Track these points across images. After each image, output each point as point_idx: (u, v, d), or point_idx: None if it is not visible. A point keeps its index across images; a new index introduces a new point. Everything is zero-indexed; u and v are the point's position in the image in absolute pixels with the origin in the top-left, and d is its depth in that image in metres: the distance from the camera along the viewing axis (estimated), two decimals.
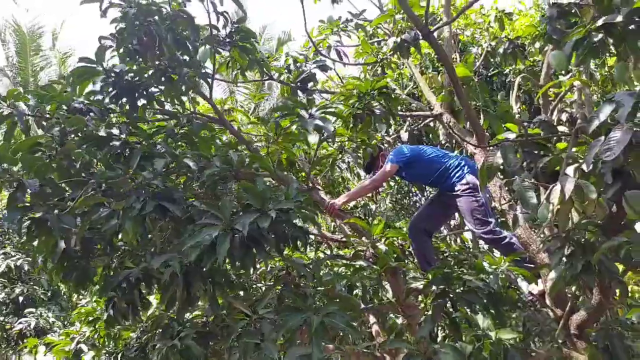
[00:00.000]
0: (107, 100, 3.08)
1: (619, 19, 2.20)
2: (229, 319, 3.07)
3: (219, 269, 2.59)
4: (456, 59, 5.60)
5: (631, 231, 2.27)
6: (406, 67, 5.64)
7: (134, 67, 3.12)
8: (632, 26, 2.26)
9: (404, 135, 5.15)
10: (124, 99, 2.98)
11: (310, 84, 4.21)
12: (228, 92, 13.43)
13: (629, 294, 4.86)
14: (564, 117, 5.06)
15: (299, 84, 4.17)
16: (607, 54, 2.69)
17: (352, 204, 5.74)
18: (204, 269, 2.33)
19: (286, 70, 4.22)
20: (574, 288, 3.55)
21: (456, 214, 6.61)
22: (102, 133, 2.73)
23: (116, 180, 2.53)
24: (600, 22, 2.28)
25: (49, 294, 9.37)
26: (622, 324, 3.34)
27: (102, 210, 2.52)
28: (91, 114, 3.07)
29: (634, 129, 1.80)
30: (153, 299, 4.17)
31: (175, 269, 2.29)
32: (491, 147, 2.59)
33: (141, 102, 3.19)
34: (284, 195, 2.44)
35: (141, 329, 4.11)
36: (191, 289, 2.48)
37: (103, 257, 3.00)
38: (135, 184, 2.51)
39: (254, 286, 4.32)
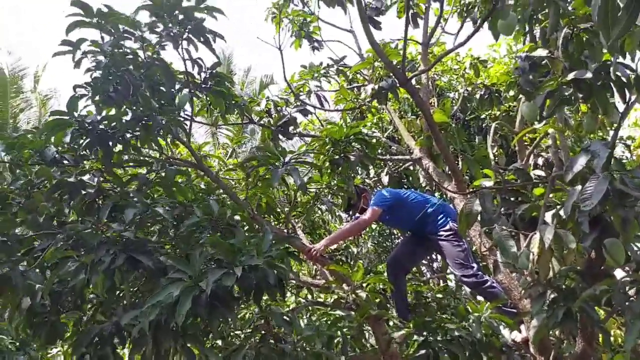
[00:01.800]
0: (80, 147, 3.02)
1: (588, 75, 2.27)
2: None
3: (192, 322, 2.49)
4: (434, 103, 5.71)
5: (611, 278, 2.27)
6: (386, 111, 5.73)
7: (110, 114, 3.10)
8: (600, 81, 2.33)
9: (385, 179, 5.17)
10: (97, 148, 2.93)
11: (291, 128, 4.23)
12: (210, 134, 13.45)
13: (612, 339, 4.83)
14: (540, 161, 5.16)
15: (279, 127, 4.19)
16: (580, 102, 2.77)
17: (333, 246, 5.69)
18: (171, 326, 2.23)
19: (267, 114, 4.24)
20: (558, 333, 3.52)
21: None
22: (72, 180, 2.66)
23: (86, 232, 2.45)
24: (570, 77, 2.35)
25: (17, 344, 8.93)
26: None
27: (71, 263, 2.43)
28: (65, 161, 3.02)
29: (610, 178, 1.82)
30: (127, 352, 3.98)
31: (144, 326, 2.19)
32: (469, 194, 2.59)
33: (117, 148, 3.16)
34: (255, 249, 2.38)
35: None
36: (161, 346, 2.36)
37: (73, 311, 2.87)
38: (104, 236, 2.43)
39: (232, 334, 4.18)
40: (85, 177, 3.00)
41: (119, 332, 2.62)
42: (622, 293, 2.20)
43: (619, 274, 2.47)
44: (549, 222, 2.23)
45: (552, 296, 2.47)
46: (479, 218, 2.47)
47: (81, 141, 2.92)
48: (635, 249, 2.25)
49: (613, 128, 3.08)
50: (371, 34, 2.99)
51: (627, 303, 2.20)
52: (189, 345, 2.53)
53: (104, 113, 3.19)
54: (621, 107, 2.70)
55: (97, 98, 3.09)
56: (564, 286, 2.49)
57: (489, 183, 2.32)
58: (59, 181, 2.82)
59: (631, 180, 1.88)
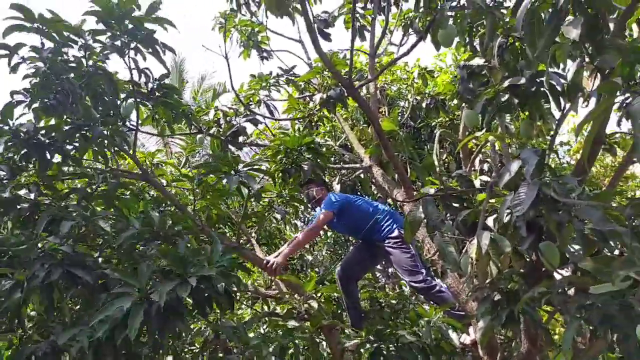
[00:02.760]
0: (17, 158, 2.88)
1: (522, 81, 2.37)
2: None
3: (136, 339, 2.40)
4: (385, 112, 5.82)
5: (549, 280, 2.35)
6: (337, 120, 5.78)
7: (49, 124, 2.97)
8: (534, 89, 2.43)
9: (337, 187, 5.21)
10: (35, 159, 2.79)
11: (240, 138, 4.19)
12: (162, 144, 13.14)
13: (557, 336, 5.02)
14: (486, 167, 5.33)
15: (229, 137, 4.15)
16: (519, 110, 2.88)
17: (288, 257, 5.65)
18: (117, 343, 2.14)
19: (216, 124, 4.19)
20: (507, 334, 3.62)
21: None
22: (6, 194, 2.53)
23: (21, 248, 2.32)
24: (506, 84, 2.45)
25: None
26: None
27: (4, 282, 2.29)
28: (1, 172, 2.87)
29: (540, 183, 1.90)
30: None
31: (84, 345, 2.09)
32: (414, 201, 2.64)
33: (56, 159, 3.03)
34: (206, 260, 2.32)
35: None
36: None
37: (7, 333, 2.71)
38: (40, 251, 2.31)
39: (186, 349, 4.06)
40: (21, 192, 2.86)
41: (55, 353, 2.48)
42: (561, 294, 2.29)
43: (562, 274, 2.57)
44: (491, 226, 2.30)
45: (496, 298, 2.55)
46: (424, 224, 2.52)
47: (17, 151, 2.77)
48: (573, 250, 2.35)
49: (550, 134, 3.23)
50: (319, 44, 3.02)
51: (565, 303, 2.29)
52: None
53: (42, 122, 3.06)
54: (557, 114, 2.84)
55: (35, 106, 2.96)
56: (507, 289, 2.57)
57: (432, 190, 2.37)
58: None
59: (561, 187, 1.96)
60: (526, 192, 1.85)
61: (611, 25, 2.10)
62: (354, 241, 7.32)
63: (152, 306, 2.17)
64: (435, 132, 6.02)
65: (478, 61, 2.65)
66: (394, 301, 4.69)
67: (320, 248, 6.84)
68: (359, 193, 5.94)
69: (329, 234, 7.20)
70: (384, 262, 6.93)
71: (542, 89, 2.54)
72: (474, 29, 2.83)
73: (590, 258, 1.85)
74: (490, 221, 2.35)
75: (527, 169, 1.88)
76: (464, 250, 2.16)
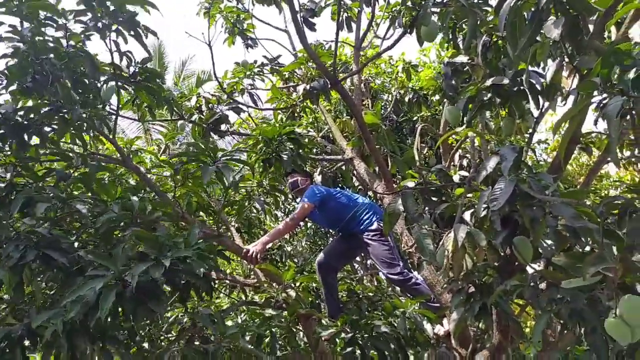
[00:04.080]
0: None
1: (506, 81, 2.41)
2: None
3: (112, 322, 2.38)
4: (368, 105, 5.84)
5: (522, 274, 2.42)
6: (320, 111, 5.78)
7: (27, 105, 2.91)
8: (516, 88, 2.47)
9: (318, 178, 5.22)
10: (11, 139, 2.74)
11: (223, 126, 4.17)
12: (142, 130, 12.96)
13: (528, 329, 5.16)
14: (465, 162, 5.42)
15: (211, 125, 4.11)
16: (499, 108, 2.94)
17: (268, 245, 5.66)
18: (91, 325, 2.12)
19: (197, 111, 4.14)
20: (479, 326, 3.71)
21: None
22: None
23: None
24: (488, 83, 2.49)
25: None
26: None
27: None
28: None
29: (517, 179, 1.94)
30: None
31: (58, 327, 2.07)
32: (394, 194, 2.67)
33: (34, 141, 2.97)
34: (183, 243, 2.31)
35: None
36: (77, 350, 2.24)
37: None
38: (15, 232, 2.28)
39: (162, 337, 4.05)
40: None
41: (30, 335, 2.46)
42: (533, 287, 2.36)
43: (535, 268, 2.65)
44: (468, 220, 2.35)
45: (470, 291, 2.61)
46: (402, 217, 2.56)
47: None
48: (545, 245, 2.42)
49: (529, 132, 3.30)
50: (304, 34, 3.01)
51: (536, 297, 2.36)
52: (107, 347, 2.43)
53: (20, 104, 3.00)
54: (536, 112, 2.90)
55: (12, 87, 2.89)
56: (481, 281, 2.63)
57: (411, 183, 2.41)
58: None
59: (537, 183, 2.01)
60: (503, 188, 1.90)
61: (590, 27, 2.14)
62: (333, 233, 7.37)
63: (127, 288, 2.16)
64: (416, 126, 6.08)
65: (462, 58, 2.68)
66: (371, 294, 4.76)
67: (299, 239, 6.87)
68: (340, 185, 5.97)
69: (309, 225, 7.22)
70: (362, 255, 7.01)
71: (522, 87, 2.60)
72: (458, 27, 2.86)
73: (563, 253, 1.91)
74: (467, 215, 2.40)
75: (504, 165, 1.92)
76: (440, 243, 2.20)
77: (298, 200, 4.38)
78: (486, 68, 2.72)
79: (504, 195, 1.87)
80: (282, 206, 6.42)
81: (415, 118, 6.01)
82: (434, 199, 2.57)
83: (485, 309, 2.54)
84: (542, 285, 2.45)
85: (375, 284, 6.90)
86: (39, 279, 2.47)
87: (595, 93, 1.84)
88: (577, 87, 1.63)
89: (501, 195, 1.88)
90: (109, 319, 2.24)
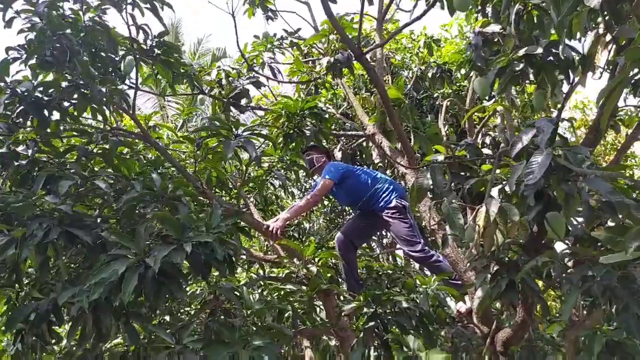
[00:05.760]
0: (14, 115, 2.81)
1: (539, 50, 2.32)
2: (151, 349, 2.86)
3: (134, 300, 2.39)
4: (388, 80, 5.73)
5: (551, 251, 2.36)
6: (340, 87, 5.69)
7: (47, 81, 2.89)
8: (550, 57, 2.38)
9: (338, 154, 5.16)
10: (32, 116, 2.72)
11: (243, 100, 4.11)
12: (158, 107, 12.97)
13: (549, 310, 5.11)
14: (487, 140, 5.31)
15: (231, 99, 4.06)
16: (527, 82, 2.84)
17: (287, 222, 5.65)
18: (115, 304, 2.14)
19: (218, 85, 4.09)
20: (498, 305, 3.67)
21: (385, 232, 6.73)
22: (3, 150, 2.47)
23: (17, 205, 2.28)
24: (521, 53, 2.39)
25: None
26: (543, 340, 3.49)
27: (0, 237, 2.26)
28: None
29: (553, 153, 1.88)
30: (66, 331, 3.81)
31: (83, 304, 2.08)
32: (420, 168, 2.62)
33: (54, 117, 2.96)
34: (204, 225, 2.30)
35: None
36: (102, 325, 2.26)
37: (7, 287, 2.70)
38: (38, 209, 2.27)
39: (182, 310, 4.09)
40: (19, 148, 2.80)
41: (56, 310, 2.48)
42: (562, 265, 2.30)
43: (558, 247, 2.59)
44: (495, 196, 2.29)
45: (495, 268, 2.56)
46: (429, 193, 2.51)
47: (14, 109, 2.70)
48: (575, 223, 2.36)
49: (557, 109, 3.20)
50: (328, 5, 2.92)
51: (564, 275, 2.31)
52: (132, 323, 2.44)
53: (39, 79, 2.98)
54: (565, 87, 2.80)
55: (32, 62, 2.86)
56: (506, 259, 2.58)
57: (440, 157, 2.35)
58: None
59: (573, 156, 1.94)
60: (540, 161, 1.83)
61: None
62: (350, 211, 7.35)
63: (148, 270, 2.16)
64: (437, 103, 5.97)
65: (494, 28, 2.58)
66: (390, 271, 4.74)
67: (317, 217, 6.86)
68: (358, 162, 5.91)
69: (326, 202, 7.21)
70: (379, 233, 6.98)
71: (556, 59, 2.50)
72: None
73: (603, 228, 1.84)
74: (494, 192, 2.33)
75: (541, 137, 1.85)
76: (471, 218, 2.15)
77: (315, 178, 4.35)
78: (518, 38, 2.61)
79: (541, 168, 1.80)
80: (298, 184, 6.39)
81: (435, 95, 5.90)
82: (462, 174, 2.52)
83: (512, 285, 2.50)
84: (569, 264, 2.40)
85: (392, 262, 6.90)
86: (63, 256, 2.47)
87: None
88: (626, 53, 1.55)
89: (538, 169, 1.81)
90: (131, 299, 2.25)
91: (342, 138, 5.15)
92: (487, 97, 2.66)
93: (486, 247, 2.09)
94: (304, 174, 4.01)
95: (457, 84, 5.44)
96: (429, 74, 5.12)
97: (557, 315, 4.10)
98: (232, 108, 4.03)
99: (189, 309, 4.16)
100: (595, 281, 2.08)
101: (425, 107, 6.34)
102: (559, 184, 1.99)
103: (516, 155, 2.02)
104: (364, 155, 5.78)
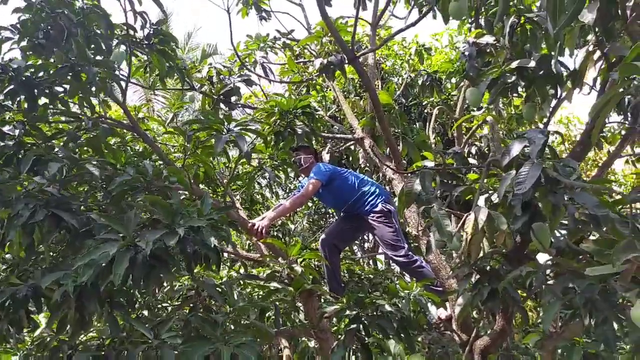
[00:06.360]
0: (1, 97, 2.75)
1: (532, 64, 2.36)
2: (128, 343, 2.81)
3: (120, 288, 2.35)
4: (378, 86, 5.77)
5: (535, 261, 2.40)
6: (330, 90, 5.71)
7: (38, 63, 2.83)
8: (542, 71, 2.42)
9: (326, 157, 5.17)
10: (22, 97, 2.67)
11: (233, 98, 4.09)
12: (145, 100, 12.82)
13: (529, 320, 5.19)
14: (473, 150, 5.38)
15: (222, 96, 4.04)
16: (514, 95, 2.89)
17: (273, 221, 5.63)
18: (101, 289, 2.09)
19: (208, 82, 4.06)
20: (476, 314, 3.72)
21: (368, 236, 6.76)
22: None
23: (4, 185, 2.23)
24: (514, 65, 2.43)
25: None
26: (519, 350, 3.54)
27: None
28: None
29: (543, 165, 1.91)
30: (42, 319, 3.73)
31: (68, 289, 2.04)
32: (409, 174, 2.64)
33: (43, 101, 2.90)
34: (196, 212, 2.27)
35: (24, 352, 3.66)
36: (85, 311, 2.22)
37: None
38: (25, 190, 2.23)
39: (160, 306, 4.04)
40: (5, 128, 2.74)
41: (36, 296, 2.43)
42: (543, 275, 2.34)
43: (540, 258, 2.63)
44: (482, 205, 2.32)
45: (477, 276, 2.60)
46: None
47: (5, 86, 2.63)
48: (558, 234, 2.40)
49: (543, 122, 3.26)
50: (324, 7, 2.93)
51: (545, 285, 2.35)
52: (114, 312, 2.40)
53: (30, 61, 2.92)
54: (553, 101, 2.86)
55: (24, 43, 2.81)
56: (488, 267, 2.62)
57: (430, 164, 2.37)
58: None
59: (562, 168, 1.98)
60: (529, 171, 1.86)
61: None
62: (333, 213, 7.37)
63: (138, 254, 2.12)
64: (425, 111, 6.03)
65: (488, 39, 2.62)
66: (371, 275, 4.76)
67: (301, 218, 6.85)
68: (345, 165, 5.93)
69: (309, 204, 7.21)
70: (362, 236, 7.00)
71: (547, 72, 2.54)
72: (485, 6, 2.79)
73: (590, 240, 1.88)
74: (481, 201, 2.37)
75: (532, 148, 1.88)
76: (458, 225, 2.17)
77: (301, 178, 4.33)
78: (511, 50, 2.66)
79: (531, 178, 1.83)
80: (286, 183, 6.38)
81: (424, 103, 5.96)
82: (449, 182, 2.55)
83: (493, 294, 2.53)
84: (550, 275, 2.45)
85: (372, 266, 6.93)
86: (46, 239, 2.42)
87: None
88: (618, 70, 1.59)
89: (528, 179, 1.84)
90: (119, 283, 2.21)
91: (330, 140, 5.16)
92: (477, 107, 2.70)
93: (473, 255, 2.11)
94: (293, 172, 4.00)
95: (447, 93, 5.50)
96: (419, 82, 5.17)
97: (534, 325, 4.17)
98: (221, 105, 4.00)
99: (166, 304, 4.11)
100: (577, 293, 2.12)
101: (414, 114, 6.39)
102: (546, 195, 2.03)
103: (506, 165, 2.05)
104: (350, 159, 5.80)
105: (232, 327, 2.71)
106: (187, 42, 15.50)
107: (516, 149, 1.99)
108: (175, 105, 4.78)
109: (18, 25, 2.84)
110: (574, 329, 2.65)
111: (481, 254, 2.23)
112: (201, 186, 3.86)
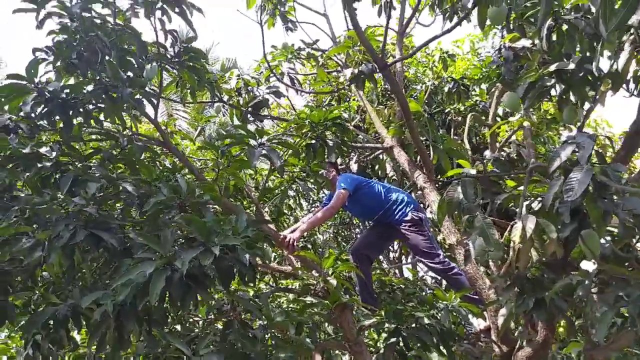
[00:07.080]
0: (38, 117, 2.80)
1: (571, 66, 2.30)
2: (164, 359, 2.80)
3: (158, 306, 2.35)
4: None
5: (584, 270, 2.32)
6: (354, 100, 5.68)
7: (72, 83, 2.88)
8: (582, 73, 2.36)
9: (354, 167, 5.14)
10: (57, 117, 2.71)
11: (262, 110, 4.10)
12: (167, 115, 12.97)
13: (561, 329, 5.04)
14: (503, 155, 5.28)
15: (250, 108, 4.05)
16: (547, 98, 2.83)
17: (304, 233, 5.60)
18: (139, 308, 2.09)
19: (236, 93, 4.08)
20: (513, 325, 3.62)
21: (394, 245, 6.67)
22: (27, 150, 2.44)
23: (43, 207, 2.25)
24: (552, 68, 2.37)
25: None
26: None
27: (26, 240, 2.23)
28: (20, 130, 2.78)
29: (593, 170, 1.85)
30: (77, 337, 3.74)
31: (108, 308, 2.04)
32: (444, 182, 2.59)
33: (77, 120, 2.94)
34: (231, 229, 2.26)
35: None
36: (124, 330, 2.21)
37: (24, 291, 2.66)
38: (64, 211, 2.24)
39: (191, 320, 4.03)
40: (42, 150, 2.78)
41: (76, 315, 2.44)
42: (589, 284, 2.26)
43: (583, 266, 2.54)
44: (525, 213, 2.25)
45: (520, 286, 2.52)
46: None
47: (39, 110, 2.68)
48: (603, 241, 2.32)
49: (575, 127, 3.18)
50: (355, 17, 2.92)
51: (596, 295, 2.27)
52: (152, 330, 2.39)
53: (63, 81, 2.97)
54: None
55: (58, 64, 2.86)
56: (533, 276, 2.54)
57: (472, 171, 2.32)
58: (12, 152, 2.59)
59: (612, 173, 1.91)
60: (580, 177, 1.80)
61: None
62: (358, 224, 7.31)
63: (175, 273, 2.12)
64: (449, 118, 5.95)
65: (524, 42, 2.57)
66: (402, 285, 4.67)
67: (326, 229, 6.81)
68: (371, 175, 5.88)
69: (335, 215, 7.16)
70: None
71: (587, 74, 2.48)
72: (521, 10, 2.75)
73: None
74: (523, 208, 2.30)
75: (582, 153, 1.82)
76: (504, 234, 2.11)
77: (326, 190, 4.30)
78: (548, 53, 2.60)
79: (582, 185, 1.77)
80: (316, 194, 6.35)
81: (447, 110, 5.88)
82: (491, 189, 2.49)
83: (539, 304, 2.46)
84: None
85: (398, 276, 6.83)
86: (85, 259, 2.44)
87: None
88: None
89: (578, 185, 1.78)
90: (156, 303, 2.21)
91: (358, 150, 5.13)
92: (514, 112, 2.64)
93: (522, 264, 2.04)
94: (324, 184, 3.97)
95: (474, 100, 5.42)
96: (445, 89, 5.11)
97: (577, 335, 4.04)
98: (249, 117, 4.01)
99: (198, 318, 4.10)
100: (631, 301, 2.04)
101: (438, 122, 6.31)
102: (595, 201, 1.96)
103: (552, 171, 1.99)
104: (376, 168, 5.74)
105: (272, 342, 2.68)
106: (207, 55, 15.68)
107: (564, 154, 1.93)
108: (203, 119, 4.81)
109: (53, 47, 2.91)
110: (625, 338, 2.55)
111: (530, 263, 2.16)
112: (230, 199, 3.86)
